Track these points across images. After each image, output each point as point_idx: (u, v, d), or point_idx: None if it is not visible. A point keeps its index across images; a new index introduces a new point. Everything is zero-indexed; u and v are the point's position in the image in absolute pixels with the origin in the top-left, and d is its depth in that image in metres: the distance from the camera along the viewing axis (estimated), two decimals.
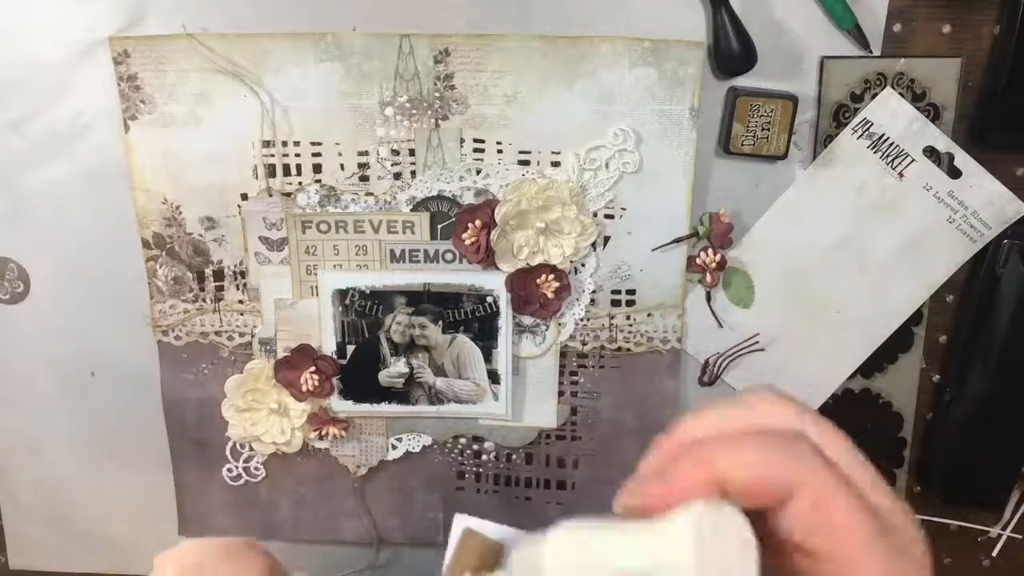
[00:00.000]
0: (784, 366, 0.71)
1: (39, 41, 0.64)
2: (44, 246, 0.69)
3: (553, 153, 0.65)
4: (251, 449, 0.72)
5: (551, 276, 0.67)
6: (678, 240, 0.67)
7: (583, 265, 0.68)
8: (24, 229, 0.69)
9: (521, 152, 0.65)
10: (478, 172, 0.66)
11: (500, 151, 0.65)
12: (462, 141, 0.65)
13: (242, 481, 0.73)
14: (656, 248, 0.68)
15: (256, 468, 0.73)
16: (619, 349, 0.70)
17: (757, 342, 0.70)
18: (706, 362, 0.71)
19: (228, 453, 0.73)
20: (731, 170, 0.67)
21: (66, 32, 0.64)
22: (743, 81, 0.64)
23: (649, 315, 0.69)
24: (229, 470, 0.73)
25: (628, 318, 0.69)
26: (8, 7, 0.64)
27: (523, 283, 0.67)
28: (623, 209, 0.67)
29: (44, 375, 0.72)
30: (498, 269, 0.67)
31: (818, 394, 0.72)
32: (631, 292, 0.69)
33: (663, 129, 0.65)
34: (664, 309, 0.69)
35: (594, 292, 0.69)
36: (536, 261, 0.66)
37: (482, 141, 0.65)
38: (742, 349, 0.70)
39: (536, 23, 0.63)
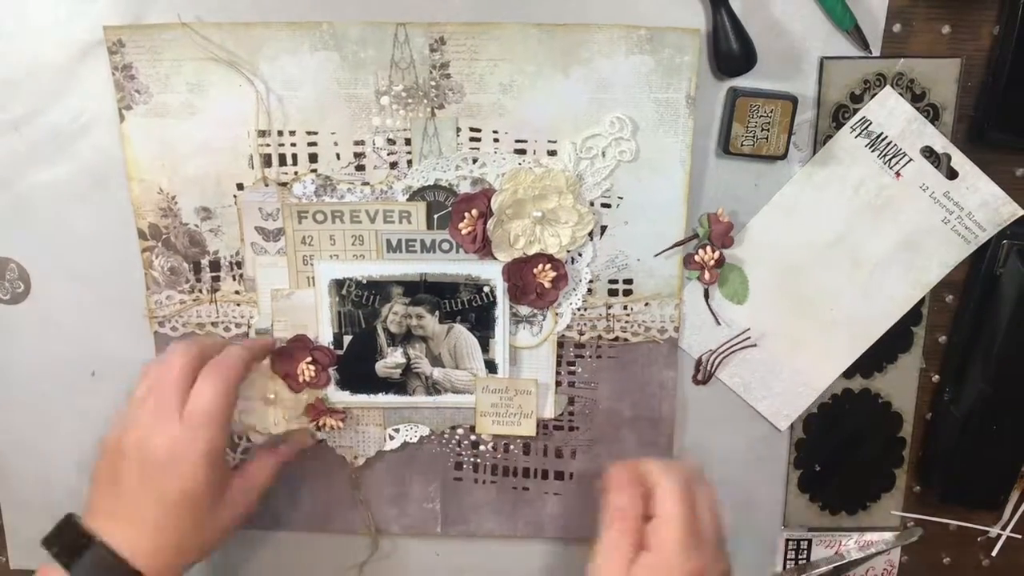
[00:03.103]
0: (776, 363, 0.71)
1: (39, 41, 0.64)
2: (44, 246, 0.69)
3: (549, 142, 0.65)
4: (248, 440, 0.72)
5: (548, 266, 0.67)
6: (679, 243, 0.67)
7: (580, 255, 0.68)
8: (24, 229, 0.69)
9: (517, 141, 0.65)
10: (474, 161, 0.66)
11: (496, 140, 0.65)
12: (458, 130, 0.65)
13: None
14: (658, 254, 0.68)
15: None
16: (616, 339, 0.70)
17: (748, 337, 0.70)
18: (699, 360, 0.71)
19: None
20: (730, 170, 0.67)
21: (66, 32, 0.64)
22: (743, 81, 0.64)
23: (646, 305, 0.69)
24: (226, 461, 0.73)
25: (625, 308, 0.69)
26: (8, 7, 0.64)
27: (520, 273, 0.67)
28: (620, 198, 0.67)
29: (44, 375, 0.72)
30: (495, 259, 0.67)
31: (809, 391, 0.71)
32: (628, 282, 0.69)
33: (659, 117, 0.65)
34: (661, 299, 0.69)
35: (591, 282, 0.69)
36: (533, 251, 0.66)
37: (478, 130, 0.65)
38: (734, 345, 0.70)
39: (532, 11, 0.63)
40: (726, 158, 0.66)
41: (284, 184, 0.66)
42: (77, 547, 0.59)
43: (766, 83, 0.65)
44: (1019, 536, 0.76)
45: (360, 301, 0.68)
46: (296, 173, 0.66)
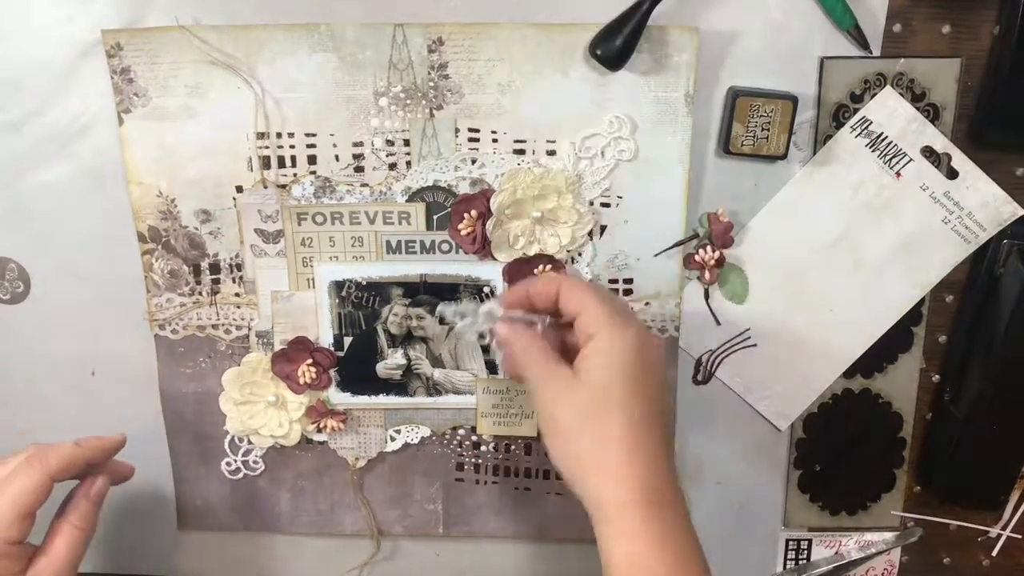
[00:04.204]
0: (776, 362, 0.70)
1: (39, 41, 0.64)
2: (44, 246, 0.69)
3: (548, 142, 0.65)
4: (249, 442, 0.72)
5: (548, 266, 0.67)
6: (679, 243, 0.67)
7: (580, 254, 0.68)
8: (24, 229, 0.69)
9: (516, 141, 0.65)
10: (473, 162, 0.66)
11: (495, 140, 0.65)
12: (457, 131, 0.65)
13: (241, 475, 0.73)
14: (658, 254, 0.68)
15: (255, 461, 0.73)
16: None
17: (748, 337, 0.70)
18: (699, 360, 0.71)
19: (227, 447, 0.72)
20: (731, 170, 0.67)
21: (66, 32, 0.64)
22: (744, 81, 0.64)
23: (647, 304, 0.69)
24: (228, 464, 0.73)
25: None
26: (8, 7, 0.64)
27: (520, 273, 0.67)
28: (619, 197, 0.66)
29: (44, 375, 0.72)
30: (495, 259, 0.67)
31: (810, 391, 0.71)
32: (628, 281, 0.69)
33: (659, 116, 0.64)
34: (662, 298, 0.69)
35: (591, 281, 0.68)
36: (533, 251, 0.66)
37: (477, 130, 0.65)
38: (734, 345, 0.70)
39: (530, 11, 0.63)
40: (726, 158, 0.66)
41: (283, 186, 0.66)
42: None
43: (766, 83, 0.64)
44: (1019, 536, 0.76)
45: (360, 302, 0.68)
46: (295, 175, 0.66)
